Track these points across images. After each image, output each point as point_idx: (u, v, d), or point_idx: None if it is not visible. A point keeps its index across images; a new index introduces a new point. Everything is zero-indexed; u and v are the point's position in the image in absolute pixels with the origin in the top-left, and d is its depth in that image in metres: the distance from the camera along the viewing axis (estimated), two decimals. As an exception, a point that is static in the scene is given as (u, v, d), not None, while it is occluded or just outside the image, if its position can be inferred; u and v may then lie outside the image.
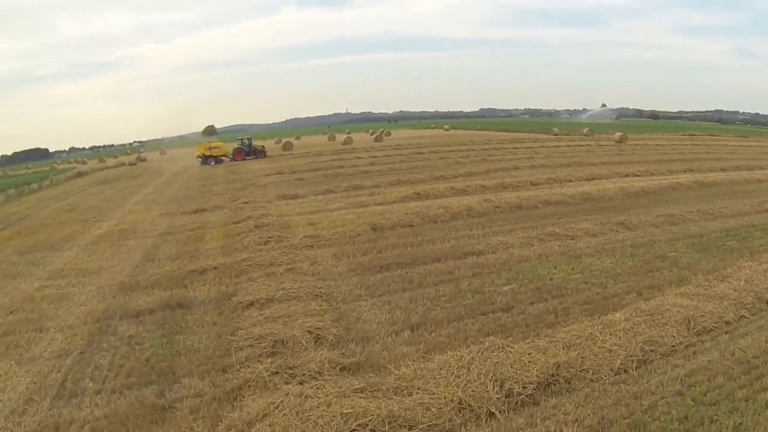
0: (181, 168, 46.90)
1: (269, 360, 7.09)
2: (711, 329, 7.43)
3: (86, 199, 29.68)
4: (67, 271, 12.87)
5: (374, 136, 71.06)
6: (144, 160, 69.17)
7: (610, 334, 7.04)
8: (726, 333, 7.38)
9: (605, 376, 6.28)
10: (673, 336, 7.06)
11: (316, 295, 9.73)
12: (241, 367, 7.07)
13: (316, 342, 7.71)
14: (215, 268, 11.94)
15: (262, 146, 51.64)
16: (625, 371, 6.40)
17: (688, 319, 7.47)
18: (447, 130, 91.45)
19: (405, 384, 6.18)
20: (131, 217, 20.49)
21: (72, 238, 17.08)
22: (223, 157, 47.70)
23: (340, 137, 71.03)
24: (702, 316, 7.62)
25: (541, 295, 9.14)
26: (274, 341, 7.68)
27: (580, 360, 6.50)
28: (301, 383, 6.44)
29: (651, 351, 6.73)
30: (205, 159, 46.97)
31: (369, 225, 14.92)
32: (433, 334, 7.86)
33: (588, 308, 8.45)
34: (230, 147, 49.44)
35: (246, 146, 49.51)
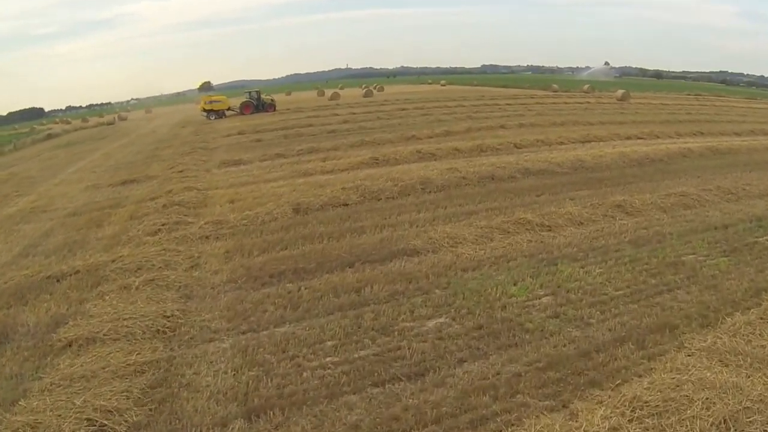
0: (152, 128, 43.16)
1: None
2: (764, 438, 4.04)
3: (31, 166, 26.47)
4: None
5: (365, 91, 66.67)
6: (124, 119, 64.79)
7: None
8: (791, 446, 4.01)
9: None
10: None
11: (157, 331, 6.51)
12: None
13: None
14: (77, 272, 8.86)
15: (272, 99, 47.28)
16: None
17: (725, 421, 4.07)
18: (443, 85, 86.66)
19: None
20: (56, 191, 17.73)
21: (-24, 221, 13.97)
22: (227, 111, 43.47)
23: (330, 93, 66.81)
24: (747, 409, 4.20)
25: (482, 344, 5.70)
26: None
27: None
28: None
29: None
30: (208, 114, 42.86)
31: (291, 205, 11.48)
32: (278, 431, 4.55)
33: (552, 381, 4.99)
34: (235, 101, 44.97)
35: (254, 99, 45.04)
